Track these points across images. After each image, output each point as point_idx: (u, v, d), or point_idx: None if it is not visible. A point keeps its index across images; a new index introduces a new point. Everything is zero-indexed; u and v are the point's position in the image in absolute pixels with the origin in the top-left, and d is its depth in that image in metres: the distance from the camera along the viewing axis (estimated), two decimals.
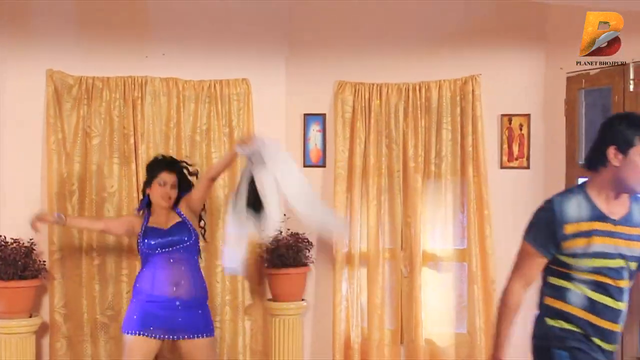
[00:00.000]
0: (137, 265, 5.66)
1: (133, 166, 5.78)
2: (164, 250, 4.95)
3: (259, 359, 5.99)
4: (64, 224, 5.20)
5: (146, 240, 4.97)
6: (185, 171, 5.22)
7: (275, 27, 6.12)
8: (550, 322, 3.44)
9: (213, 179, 5.16)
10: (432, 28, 5.94)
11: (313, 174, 6.12)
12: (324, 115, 6.13)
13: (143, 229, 5.03)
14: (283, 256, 5.82)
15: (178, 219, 5.07)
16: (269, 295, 6.01)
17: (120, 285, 5.75)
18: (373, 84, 5.96)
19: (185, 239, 5.01)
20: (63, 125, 5.72)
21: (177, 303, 4.93)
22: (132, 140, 5.79)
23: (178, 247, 4.98)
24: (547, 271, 3.48)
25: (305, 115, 6.16)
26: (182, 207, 5.13)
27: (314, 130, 6.16)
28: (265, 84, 6.09)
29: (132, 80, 5.81)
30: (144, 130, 5.80)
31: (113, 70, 5.80)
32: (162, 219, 5.07)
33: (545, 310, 3.48)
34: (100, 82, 5.78)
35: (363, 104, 5.97)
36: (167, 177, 5.08)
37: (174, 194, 5.09)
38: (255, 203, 4.61)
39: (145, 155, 5.73)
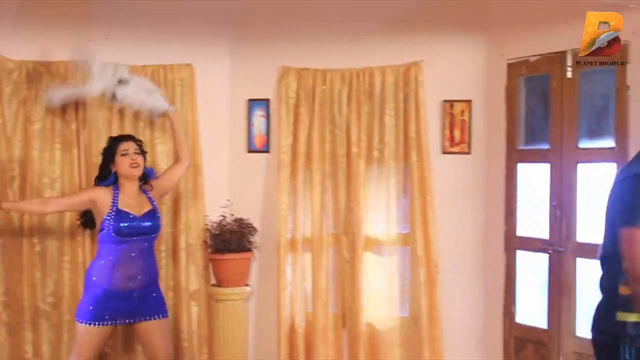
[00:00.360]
0: (80, 252, 5.64)
1: (75, 151, 5.72)
2: (131, 238, 4.91)
3: (204, 344, 5.99)
4: None
5: (116, 225, 4.88)
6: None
7: (220, 12, 6.07)
8: (622, 317, 3.28)
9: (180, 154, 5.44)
10: (376, 14, 5.95)
11: (257, 159, 6.13)
12: (267, 100, 6.12)
13: (114, 209, 4.94)
14: (227, 241, 5.83)
15: (149, 207, 5.05)
16: (213, 281, 6.01)
17: (62, 272, 5.70)
18: (317, 70, 5.97)
19: (155, 229, 5.02)
20: (3, 110, 5.63)
21: (135, 294, 4.95)
22: (74, 126, 5.73)
23: (146, 237, 4.97)
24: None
25: (249, 100, 6.14)
26: (153, 193, 5.14)
27: (258, 116, 6.15)
28: (209, 69, 6.06)
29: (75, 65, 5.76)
30: (85, 116, 5.75)
31: (55, 55, 5.73)
32: (133, 202, 5.00)
33: (614, 301, 3.32)
34: (41, 67, 5.71)
35: (307, 90, 5.98)
36: (126, 145, 5.08)
37: (140, 159, 5.07)
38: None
39: (88, 140, 5.69)
